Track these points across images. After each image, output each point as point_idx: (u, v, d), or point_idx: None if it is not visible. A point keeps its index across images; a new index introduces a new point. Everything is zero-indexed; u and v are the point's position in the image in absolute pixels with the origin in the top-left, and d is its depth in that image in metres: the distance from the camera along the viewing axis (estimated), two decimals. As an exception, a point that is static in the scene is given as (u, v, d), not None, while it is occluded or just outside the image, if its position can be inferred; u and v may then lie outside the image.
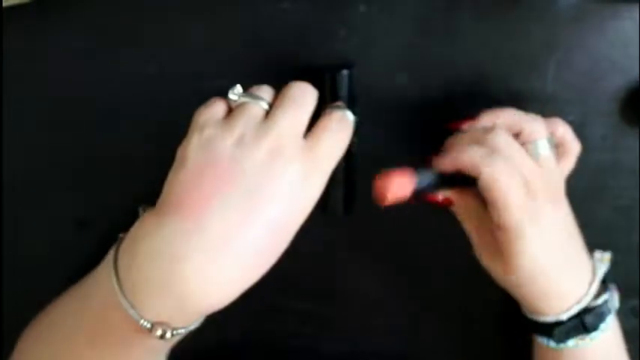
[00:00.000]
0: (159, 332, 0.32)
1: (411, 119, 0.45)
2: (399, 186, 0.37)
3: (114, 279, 0.33)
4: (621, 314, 0.42)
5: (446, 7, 0.43)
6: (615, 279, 0.42)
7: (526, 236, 0.37)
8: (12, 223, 0.47)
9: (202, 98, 0.44)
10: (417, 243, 0.48)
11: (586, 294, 0.39)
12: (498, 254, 0.39)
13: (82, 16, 0.44)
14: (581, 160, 0.41)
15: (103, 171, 0.47)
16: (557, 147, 0.40)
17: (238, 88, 0.36)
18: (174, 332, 0.33)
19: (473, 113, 0.40)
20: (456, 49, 0.44)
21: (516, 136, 0.39)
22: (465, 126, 0.40)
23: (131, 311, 0.32)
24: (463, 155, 0.37)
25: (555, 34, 0.44)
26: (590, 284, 0.40)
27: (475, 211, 0.40)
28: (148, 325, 0.32)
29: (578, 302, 0.39)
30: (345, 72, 0.42)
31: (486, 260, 0.40)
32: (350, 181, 0.44)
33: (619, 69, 0.44)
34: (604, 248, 0.43)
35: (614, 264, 0.42)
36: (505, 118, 0.39)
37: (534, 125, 0.39)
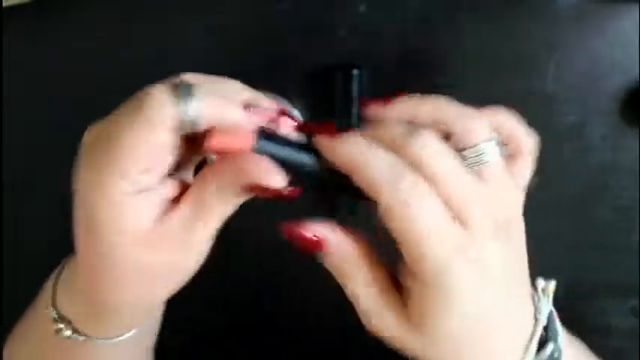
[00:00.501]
0: (59, 326, 0.31)
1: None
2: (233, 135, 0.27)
3: (54, 277, 0.33)
4: (621, 314, 0.42)
5: (446, 7, 0.43)
6: (612, 280, 0.40)
7: (452, 290, 0.26)
8: (12, 223, 0.47)
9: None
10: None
11: (525, 352, 0.29)
12: (397, 304, 0.28)
13: (82, 16, 0.44)
14: (581, 160, 0.41)
15: (103, 171, 0.46)
16: (505, 145, 0.30)
17: None
18: (78, 334, 0.31)
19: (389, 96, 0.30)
20: (456, 49, 0.44)
21: (447, 138, 0.28)
22: (381, 111, 0.29)
23: (49, 299, 0.32)
24: (365, 164, 0.26)
25: (555, 34, 0.44)
26: (532, 338, 0.29)
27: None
28: (54, 315, 0.31)
29: None
30: (356, 71, 0.42)
31: (374, 310, 0.28)
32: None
33: (619, 69, 0.44)
34: (604, 248, 0.43)
35: (614, 264, 0.42)
36: (431, 110, 0.28)
37: (473, 123, 0.28)
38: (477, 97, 0.45)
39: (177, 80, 0.27)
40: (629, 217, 0.47)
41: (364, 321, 0.28)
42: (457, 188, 0.26)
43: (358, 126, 0.38)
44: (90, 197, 0.26)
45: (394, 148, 0.26)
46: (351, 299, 0.28)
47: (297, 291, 0.49)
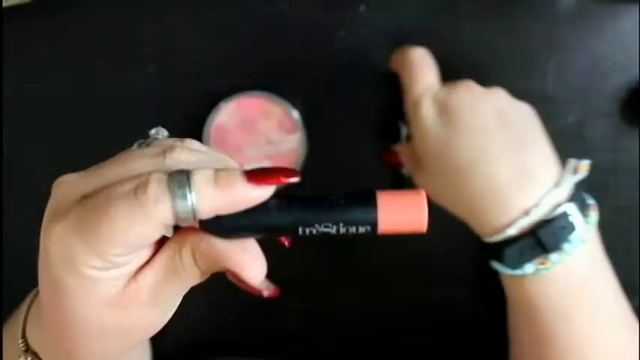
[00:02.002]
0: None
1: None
2: None
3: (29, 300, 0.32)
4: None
5: (446, 7, 0.43)
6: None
7: (422, 120, 0.37)
8: (12, 222, 0.47)
9: (202, 98, 0.44)
10: (424, 238, 0.48)
11: (537, 204, 0.33)
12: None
13: (82, 16, 0.44)
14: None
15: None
16: None
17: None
18: None
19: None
20: (456, 49, 0.44)
21: None
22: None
23: (18, 332, 0.31)
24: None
25: (555, 34, 0.44)
26: (546, 194, 0.34)
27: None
28: (22, 347, 0.30)
29: (525, 214, 0.33)
30: None
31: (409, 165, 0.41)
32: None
33: (619, 69, 0.44)
34: (604, 248, 0.42)
35: (614, 264, 0.42)
36: None
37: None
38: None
39: (171, 167, 0.25)
40: (629, 217, 0.47)
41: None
42: None
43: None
44: (58, 263, 0.24)
45: None
46: None
47: (308, 289, 0.49)
